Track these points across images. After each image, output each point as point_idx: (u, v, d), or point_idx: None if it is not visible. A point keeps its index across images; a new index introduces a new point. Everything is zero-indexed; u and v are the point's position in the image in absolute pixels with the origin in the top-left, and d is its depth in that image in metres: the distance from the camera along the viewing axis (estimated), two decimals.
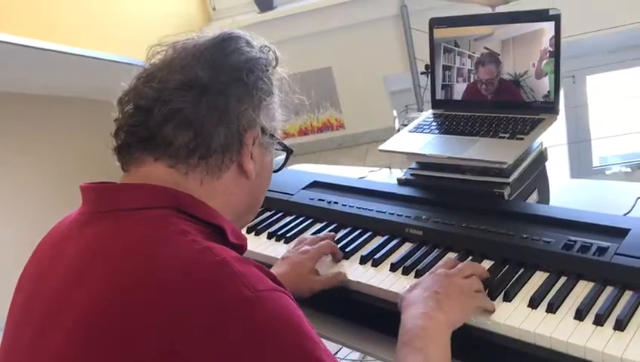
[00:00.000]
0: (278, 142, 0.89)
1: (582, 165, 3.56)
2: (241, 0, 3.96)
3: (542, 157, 1.32)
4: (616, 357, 0.80)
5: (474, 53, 1.38)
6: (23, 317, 0.76)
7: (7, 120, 2.69)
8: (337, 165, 1.95)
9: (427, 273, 0.99)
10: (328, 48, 3.84)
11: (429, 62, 1.46)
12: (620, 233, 1.01)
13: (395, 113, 3.91)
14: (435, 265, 1.03)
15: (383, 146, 1.37)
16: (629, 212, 1.17)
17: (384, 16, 3.67)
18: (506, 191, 1.21)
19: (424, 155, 1.31)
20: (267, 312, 0.64)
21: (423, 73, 1.50)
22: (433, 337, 0.84)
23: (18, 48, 2.34)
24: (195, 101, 0.77)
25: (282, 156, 0.98)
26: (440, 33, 1.43)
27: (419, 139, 1.36)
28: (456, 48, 1.41)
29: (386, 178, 1.57)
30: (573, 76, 4.10)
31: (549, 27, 1.25)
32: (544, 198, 1.34)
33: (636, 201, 1.20)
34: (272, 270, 1.12)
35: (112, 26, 2.97)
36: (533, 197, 1.30)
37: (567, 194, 1.41)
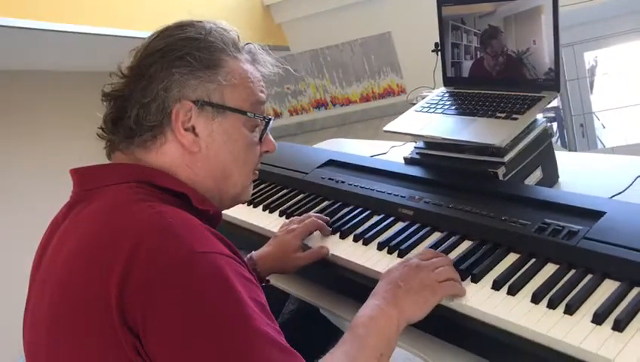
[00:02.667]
0: (230, 109, 0.90)
1: None
2: None
3: (545, 134, 1.31)
4: (559, 340, 0.83)
5: (479, 30, 1.38)
6: (29, 301, 0.88)
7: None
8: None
9: (402, 260, 1.03)
10: (387, 13, 3.82)
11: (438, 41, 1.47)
12: (594, 216, 1.01)
13: None
14: (413, 253, 1.08)
15: (387, 127, 1.41)
16: (622, 191, 1.16)
17: None
18: (501, 171, 1.23)
19: (422, 136, 1.34)
20: (199, 272, 0.71)
21: (433, 51, 1.51)
22: (377, 329, 0.87)
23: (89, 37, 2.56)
24: (125, 88, 0.87)
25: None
26: (447, 10, 1.43)
27: (422, 119, 1.39)
28: (463, 26, 1.41)
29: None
30: None
31: (547, 3, 1.23)
32: (550, 175, 1.34)
33: (634, 180, 1.18)
34: (262, 249, 1.22)
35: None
36: (536, 175, 1.31)
37: (577, 170, 1.39)
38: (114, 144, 0.90)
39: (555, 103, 3.42)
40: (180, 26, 0.91)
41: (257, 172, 1.01)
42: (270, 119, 0.97)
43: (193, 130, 0.88)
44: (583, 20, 3.98)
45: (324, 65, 4.13)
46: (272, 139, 1.01)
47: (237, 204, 1.00)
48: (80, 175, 0.89)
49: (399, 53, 3.94)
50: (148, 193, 0.82)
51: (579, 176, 1.38)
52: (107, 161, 0.92)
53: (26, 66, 2.96)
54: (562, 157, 1.41)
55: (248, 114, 0.92)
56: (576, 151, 2.99)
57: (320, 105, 4.31)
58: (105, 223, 0.78)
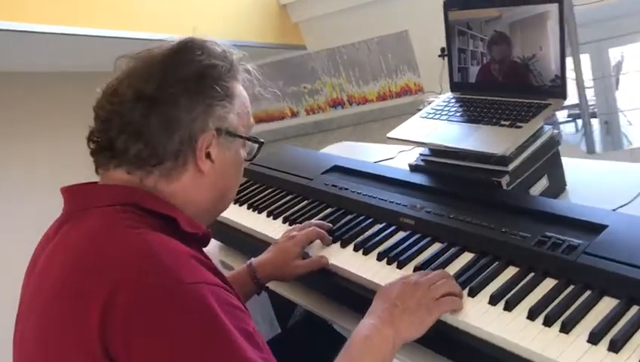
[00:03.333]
0: (242, 137, 0.93)
1: None
2: None
3: (552, 142, 1.28)
4: (553, 360, 0.81)
5: (485, 36, 1.36)
6: (19, 315, 0.88)
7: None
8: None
9: (401, 276, 1.02)
10: (404, 11, 3.78)
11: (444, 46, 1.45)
12: (596, 230, 0.99)
13: None
14: (412, 265, 1.08)
15: (391, 134, 1.40)
16: (628, 203, 1.13)
17: None
18: (504, 180, 1.20)
19: (425, 144, 1.32)
20: (185, 304, 0.71)
21: (440, 56, 1.49)
22: (372, 349, 0.87)
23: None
24: (145, 113, 0.83)
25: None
26: (454, 15, 1.41)
27: (427, 126, 1.37)
28: (469, 31, 1.39)
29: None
30: None
31: (553, 9, 1.20)
32: (556, 184, 1.31)
33: None
34: (262, 255, 1.23)
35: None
36: (542, 184, 1.28)
37: (585, 178, 1.37)
38: (112, 161, 0.87)
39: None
40: (194, 49, 0.89)
41: None
42: (263, 143, 0.99)
43: (211, 156, 0.89)
44: (606, 16, 3.91)
45: (340, 64, 4.12)
46: None
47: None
48: (70, 193, 0.88)
49: (416, 52, 3.91)
50: (135, 218, 0.81)
51: (587, 184, 1.35)
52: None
53: (18, 68, 2.98)
54: (570, 163, 1.38)
55: (252, 139, 0.96)
56: (594, 151, 2.93)
57: (337, 104, 4.30)
58: (91, 250, 0.78)
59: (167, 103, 0.84)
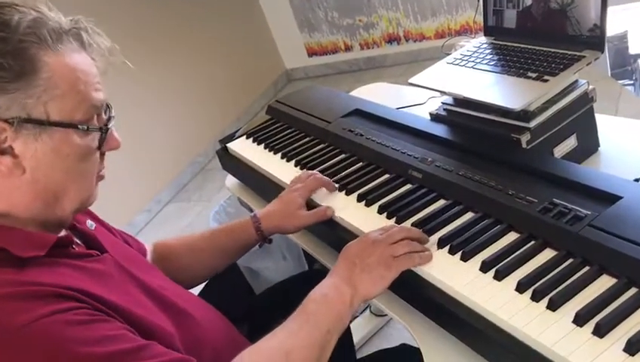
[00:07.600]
0: (54, 124, 0.76)
1: None
2: None
3: (585, 98, 1.17)
4: (533, 338, 0.76)
5: None
6: None
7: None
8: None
9: (361, 236, 0.98)
10: None
11: None
12: (609, 200, 0.90)
13: None
14: (410, 221, 1.04)
15: (413, 80, 1.31)
16: None
17: None
18: (525, 138, 1.12)
19: (444, 92, 1.24)
20: (25, 347, 0.66)
21: None
22: (328, 306, 0.86)
23: None
24: None
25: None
26: None
27: (450, 73, 1.28)
28: None
29: None
30: None
31: None
32: (587, 144, 1.21)
33: None
34: (266, 207, 1.21)
35: None
36: (569, 144, 1.18)
37: (624, 138, 1.25)
38: None
39: None
40: None
41: (103, 173, 0.87)
42: (108, 129, 0.83)
43: (12, 151, 0.74)
44: None
45: None
46: (115, 136, 0.86)
47: (83, 210, 0.88)
48: None
49: None
50: None
51: (623, 146, 1.23)
52: None
53: None
54: (609, 122, 1.27)
55: (80, 127, 0.78)
56: None
57: (392, 39, 4.12)
58: None
59: None
